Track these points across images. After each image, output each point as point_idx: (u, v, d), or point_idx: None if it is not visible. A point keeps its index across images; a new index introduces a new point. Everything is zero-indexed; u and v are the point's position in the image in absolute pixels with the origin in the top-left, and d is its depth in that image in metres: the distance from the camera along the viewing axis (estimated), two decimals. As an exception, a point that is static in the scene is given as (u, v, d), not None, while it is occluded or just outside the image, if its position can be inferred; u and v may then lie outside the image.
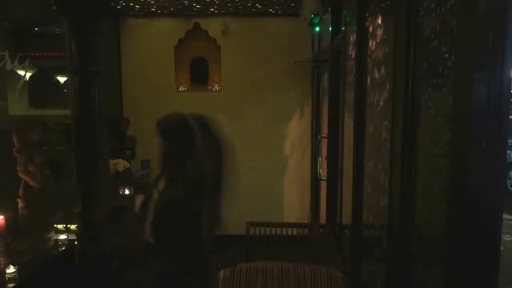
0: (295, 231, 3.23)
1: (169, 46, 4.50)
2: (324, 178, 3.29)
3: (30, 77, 4.23)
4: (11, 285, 2.29)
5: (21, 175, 3.14)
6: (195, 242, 2.16)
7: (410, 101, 1.31)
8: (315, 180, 4.43)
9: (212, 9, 4.27)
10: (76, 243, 2.57)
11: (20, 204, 3.16)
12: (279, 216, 4.41)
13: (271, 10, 4.29)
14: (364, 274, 2.06)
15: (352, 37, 2.34)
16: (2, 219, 2.49)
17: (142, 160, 4.08)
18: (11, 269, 2.32)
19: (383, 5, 1.80)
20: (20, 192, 3.17)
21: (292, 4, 4.04)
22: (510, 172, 7.26)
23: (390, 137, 1.49)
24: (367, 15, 1.99)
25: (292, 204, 4.69)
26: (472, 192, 0.97)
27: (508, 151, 4.83)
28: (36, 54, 4.20)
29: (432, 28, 1.24)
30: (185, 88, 4.64)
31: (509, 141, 1.96)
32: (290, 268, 2.11)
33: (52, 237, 2.83)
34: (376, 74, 1.81)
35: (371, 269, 1.96)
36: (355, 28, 2.11)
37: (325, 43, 3.65)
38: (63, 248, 2.76)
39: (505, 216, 1.04)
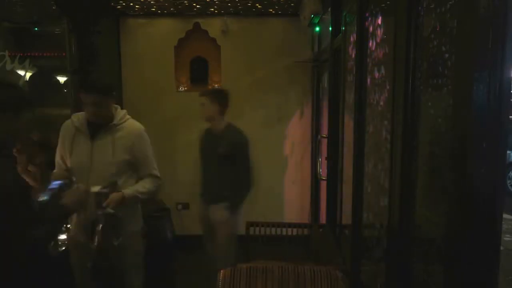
0: (295, 231, 3.23)
1: (169, 46, 4.49)
2: (324, 178, 3.29)
3: (30, 77, 4.23)
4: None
5: (21, 175, 3.14)
6: None
7: (410, 101, 1.31)
8: (315, 180, 4.43)
9: (212, 9, 4.27)
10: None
11: (20, 204, 3.15)
12: (279, 216, 4.41)
13: (271, 10, 4.29)
14: (364, 274, 2.06)
15: (352, 37, 2.34)
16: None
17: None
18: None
19: (383, 5, 1.80)
20: (20, 192, 3.17)
21: (292, 4, 4.04)
22: (510, 172, 7.27)
23: (390, 137, 1.49)
24: (367, 15, 1.98)
25: (292, 204, 4.69)
26: (472, 192, 0.97)
27: (508, 151, 4.83)
28: (36, 54, 4.20)
29: (432, 28, 1.24)
30: (185, 88, 4.64)
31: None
32: (290, 268, 2.11)
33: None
34: (376, 74, 1.81)
35: (371, 269, 1.96)
36: (355, 28, 2.11)
37: (325, 43, 3.66)
38: (63, 248, 2.76)
39: (505, 216, 1.04)
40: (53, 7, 3.35)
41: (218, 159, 2.93)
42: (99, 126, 2.27)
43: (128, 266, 2.41)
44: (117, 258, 2.36)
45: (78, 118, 2.31)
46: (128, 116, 2.40)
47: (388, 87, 1.60)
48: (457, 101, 1.04)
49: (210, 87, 4.63)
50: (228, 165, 2.91)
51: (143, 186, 2.34)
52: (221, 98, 2.99)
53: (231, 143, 2.90)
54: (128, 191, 2.26)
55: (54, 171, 2.37)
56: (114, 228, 2.23)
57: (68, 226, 2.49)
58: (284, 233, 3.20)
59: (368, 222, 1.97)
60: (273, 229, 3.19)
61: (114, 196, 2.17)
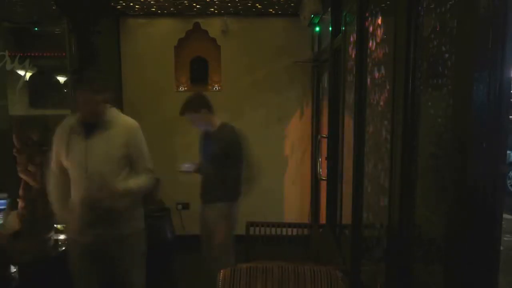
0: (295, 231, 3.23)
1: (169, 46, 4.50)
2: (324, 178, 3.29)
3: (30, 77, 4.22)
4: (11, 285, 2.29)
5: (21, 175, 3.14)
6: None
7: (410, 101, 1.31)
8: (315, 180, 4.43)
9: (212, 9, 4.27)
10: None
11: (20, 204, 3.16)
12: (279, 216, 4.42)
13: (271, 10, 4.29)
14: (364, 274, 2.06)
15: (352, 37, 2.34)
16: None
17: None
18: (11, 269, 2.32)
19: (383, 5, 1.80)
20: (20, 192, 3.17)
21: (292, 4, 4.04)
22: (510, 172, 7.27)
23: (390, 137, 1.49)
24: (367, 15, 1.98)
25: (292, 204, 4.69)
26: (472, 192, 0.97)
27: (508, 151, 4.83)
28: (36, 54, 4.19)
29: (432, 28, 1.24)
30: (185, 88, 4.64)
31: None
32: (290, 268, 2.11)
33: (52, 237, 2.83)
34: (376, 74, 1.81)
35: (371, 269, 1.96)
36: (355, 28, 2.11)
37: (325, 43, 3.66)
38: (63, 248, 2.76)
39: (505, 216, 1.04)
40: (53, 7, 3.35)
41: (212, 159, 2.93)
42: (93, 125, 2.28)
43: (130, 266, 2.41)
44: (120, 258, 2.37)
45: (71, 119, 2.32)
46: (120, 114, 2.41)
47: (388, 87, 1.60)
48: (457, 101, 1.04)
49: (210, 87, 4.63)
50: (221, 165, 2.90)
51: (138, 179, 2.35)
52: (200, 104, 2.92)
53: (223, 143, 2.89)
54: (121, 184, 2.27)
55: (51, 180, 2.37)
56: (115, 221, 2.27)
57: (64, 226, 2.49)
58: (284, 233, 3.20)
59: (368, 222, 1.97)
60: (273, 229, 3.19)
61: (109, 187, 2.20)
